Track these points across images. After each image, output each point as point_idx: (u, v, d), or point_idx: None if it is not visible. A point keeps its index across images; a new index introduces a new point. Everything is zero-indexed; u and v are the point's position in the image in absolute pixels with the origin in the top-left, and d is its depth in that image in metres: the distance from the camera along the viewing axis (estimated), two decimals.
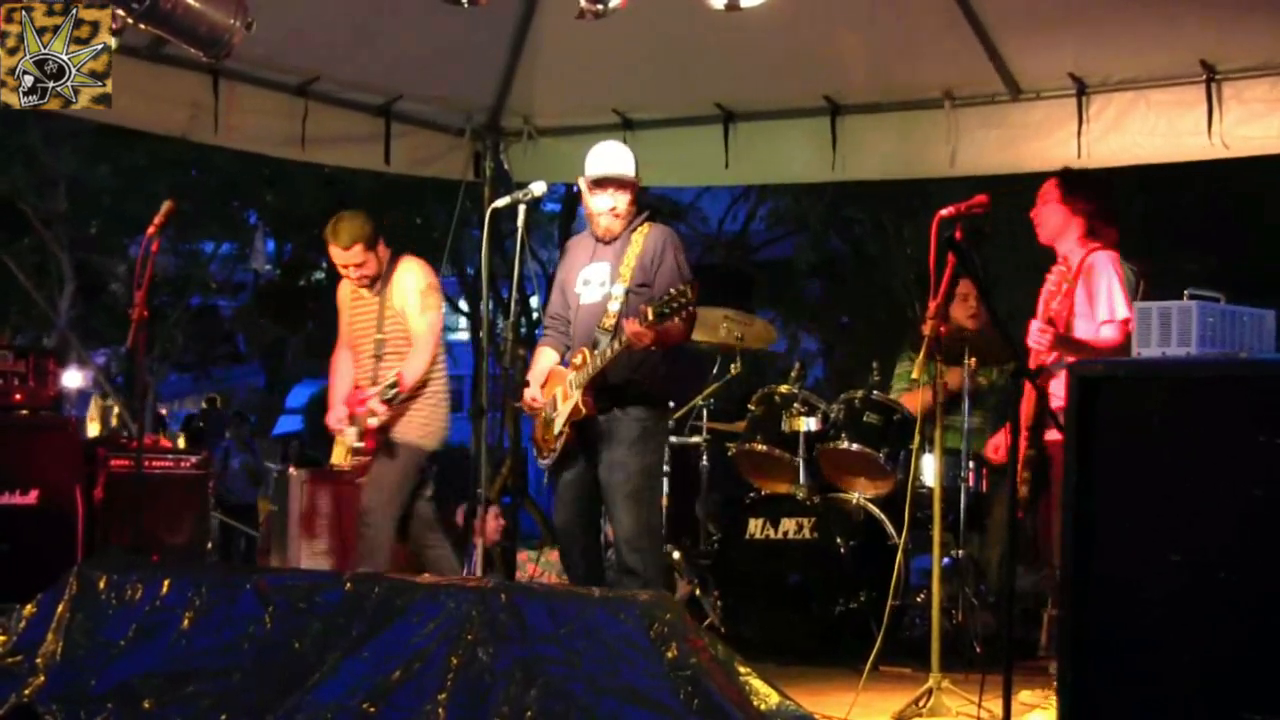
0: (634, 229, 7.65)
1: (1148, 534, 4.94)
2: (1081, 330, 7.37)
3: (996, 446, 7.86)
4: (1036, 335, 7.25)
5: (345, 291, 8.97)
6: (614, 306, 7.47)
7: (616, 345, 7.24)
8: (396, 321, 8.67)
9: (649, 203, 23.75)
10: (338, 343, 9.01)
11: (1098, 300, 7.36)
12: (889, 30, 9.85)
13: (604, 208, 7.61)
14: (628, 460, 7.43)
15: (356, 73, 10.38)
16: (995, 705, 6.20)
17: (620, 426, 7.45)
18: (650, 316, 7.04)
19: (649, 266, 7.53)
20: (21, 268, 21.70)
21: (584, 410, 7.38)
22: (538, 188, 7.50)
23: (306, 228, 24.00)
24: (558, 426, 7.48)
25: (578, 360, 7.45)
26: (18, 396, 9.15)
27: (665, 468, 9.98)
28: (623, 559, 7.39)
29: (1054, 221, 7.62)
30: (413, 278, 8.70)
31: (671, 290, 7.04)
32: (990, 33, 9.51)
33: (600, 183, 7.63)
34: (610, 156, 7.68)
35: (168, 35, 7.61)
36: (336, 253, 8.63)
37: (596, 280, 7.65)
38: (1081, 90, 9.54)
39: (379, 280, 8.68)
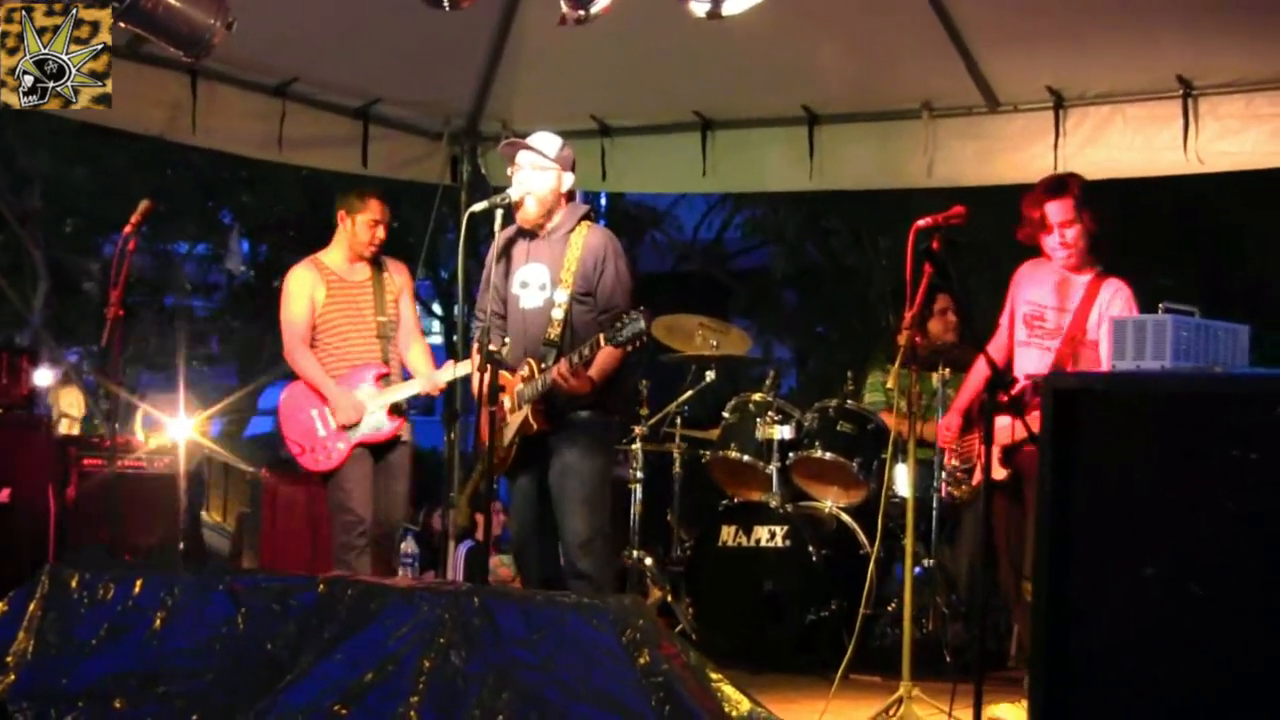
0: (571, 229, 7.55)
1: (1121, 548, 4.95)
2: (1086, 356, 7.30)
3: (948, 426, 7.77)
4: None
5: (310, 279, 8.84)
6: (557, 314, 7.40)
7: (553, 377, 7.20)
8: (396, 303, 8.80)
9: (625, 209, 23.74)
10: (298, 340, 8.77)
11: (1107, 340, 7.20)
12: (868, 41, 9.87)
13: (515, 185, 7.52)
14: (579, 465, 7.39)
15: (335, 75, 10.37)
16: (965, 715, 6.22)
17: (570, 432, 7.41)
18: (602, 342, 7.00)
19: (590, 274, 7.44)
20: None
21: (534, 426, 7.34)
22: (515, 192, 7.47)
23: (282, 229, 23.92)
24: (507, 438, 7.43)
25: (524, 372, 7.38)
26: None
27: (639, 475, 10.02)
28: (574, 563, 7.35)
29: (1082, 245, 7.48)
30: (404, 270, 8.97)
31: (625, 318, 6.94)
32: (969, 45, 9.53)
33: (511, 157, 7.57)
34: (533, 136, 7.64)
35: (148, 34, 7.60)
36: (380, 210, 8.81)
37: (535, 283, 7.53)
38: (1059, 103, 9.57)
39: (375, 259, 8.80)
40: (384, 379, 8.53)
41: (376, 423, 8.51)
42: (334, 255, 8.85)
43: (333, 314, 8.74)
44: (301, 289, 8.79)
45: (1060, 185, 7.43)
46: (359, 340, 8.65)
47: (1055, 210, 7.39)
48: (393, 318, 8.70)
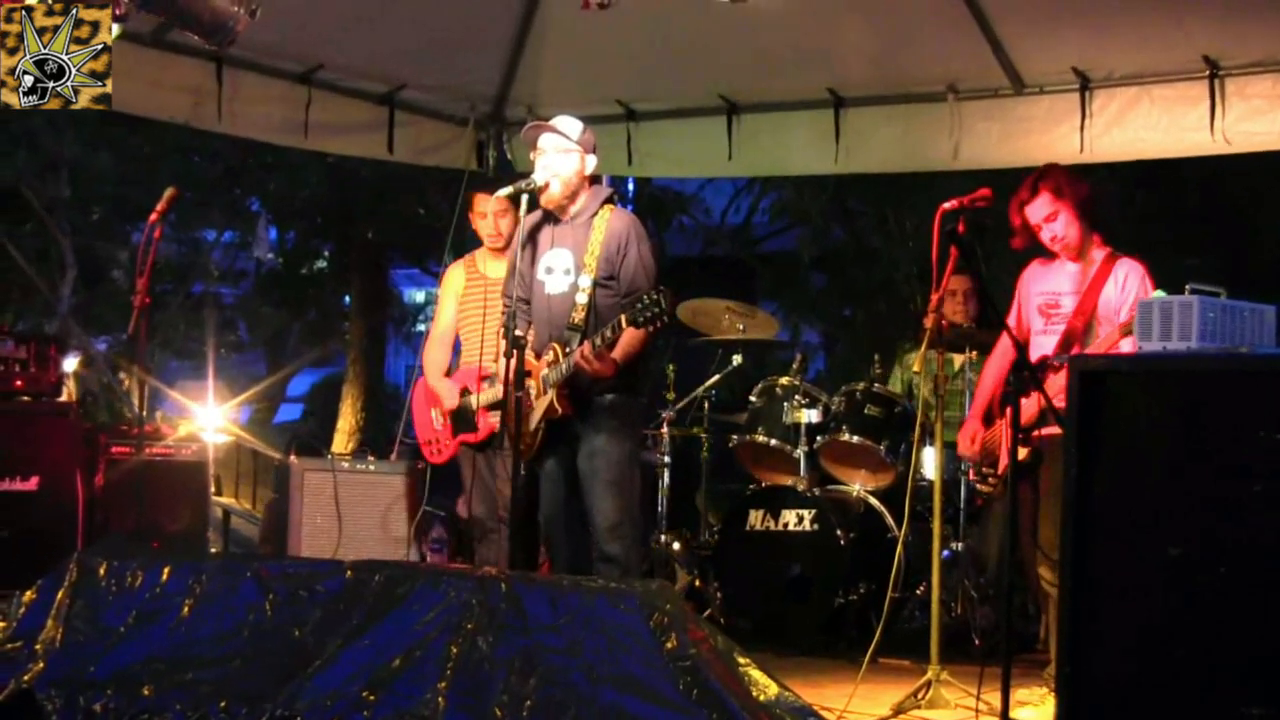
0: (595, 213, 7.51)
1: (1146, 528, 4.95)
2: (1104, 333, 7.29)
3: (972, 437, 7.75)
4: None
5: (458, 278, 8.98)
6: (581, 299, 7.37)
7: (576, 360, 7.17)
8: None
9: (652, 193, 23.69)
10: (431, 334, 9.06)
11: (1126, 313, 7.21)
12: (893, 23, 9.84)
13: (539, 169, 7.51)
14: (608, 448, 7.37)
15: (360, 61, 10.38)
16: (994, 698, 6.22)
17: (596, 415, 7.39)
18: (624, 324, 6.97)
19: (614, 258, 7.41)
20: (23, 253, 21.65)
21: (560, 410, 7.32)
22: (540, 177, 7.46)
23: (309, 216, 23.91)
24: (533, 423, 7.43)
25: (549, 357, 7.35)
26: (19, 383, 9.16)
27: (666, 459, 10.03)
28: (603, 546, 7.34)
29: (1074, 231, 7.48)
30: None
31: (645, 298, 6.91)
32: (994, 26, 9.51)
33: (533, 141, 7.55)
34: (554, 120, 7.61)
35: (172, 21, 7.61)
36: (482, 201, 8.81)
37: (560, 268, 7.51)
38: (1085, 85, 9.55)
39: (505, 249, 8.63)
40: (487, 380, 8.47)
41: (469, 425, 8.56)
42: (485, 249, 8.97)
43: (467, 310, 8.85)
44: (446, 286, 9.03)
45: (1032, 187, 7.41)
46: (486, 337, 8.63)
47: (1034, 211, 7.39)
48: None
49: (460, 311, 8.89)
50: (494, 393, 8.28)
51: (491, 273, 8.77)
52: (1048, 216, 7.35)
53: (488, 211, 8.80)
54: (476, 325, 8.55)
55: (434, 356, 8.95)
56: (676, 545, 10.04)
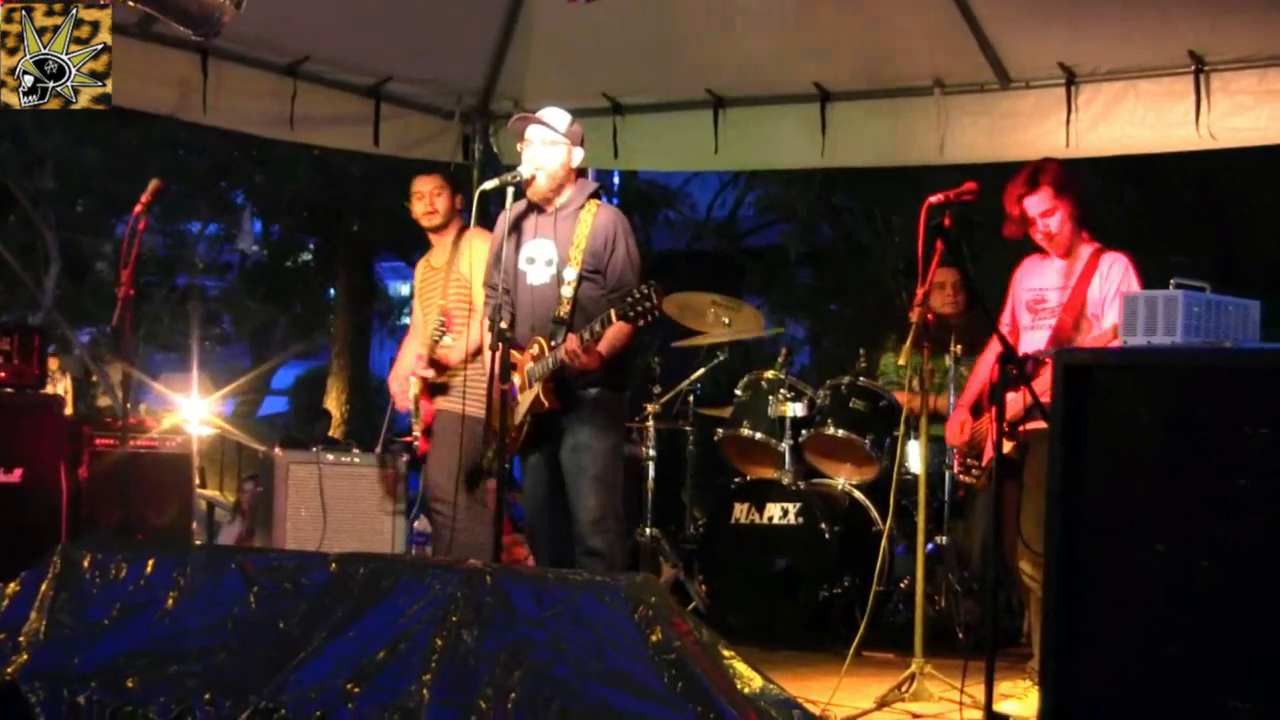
0: (581, 206, 7.49)
1: (1132, 524, 4.95)
2: (1096, 328, 7.29)
3: (962, 424, 7.75)
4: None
5: (418, 275, 9.13)
6: (566, 292, 7.34)
7: (562, 354, 7.14)
8: (462, 288, 8.60)
9: (638, 187, 23.64)
10: (409, 330, 9.26)
11: (1112, 309, 7.21)
12: (879, 18, 9.85)
13: (525, 160, 7.49)
14: (591, 443, 7.35)
15: (346, 54, 10.36)
16: (977, 691, 6.23)
17: (581, 410, 7.37)
18: (614, 318, 6.95)
19: (600, 252, 7.37)
20: (8, 246, 21.62)
21: (546, 404, 7.29)
22: (525, 169, 7.44)
23: (294, 209, 23.88)
24: (519, 417, 7.42)
25: (534, 350, 7.33)
26: (3, 374, 9.14)
27: (652, 453, 10.02)
28: (587, 541, 7.32)
29: (1067, 230, 7.47)
30: (483, 248, 8.24)
31: (635, 292, 6.86)
32: (980, 21, 9.51)
33: (521, 132, 7.52)
34: (543, 111, 7.58)
35: (157, 13, 7.59)
36: (416, 182, 8.90)
37: (542, 259, 7.47)
38: (1071, 80, 9.55)
39: (444, 229, 8.81)
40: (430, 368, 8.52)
41: (416, 413, 8.62)
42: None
43: (422, 301, 8.96)
44: (415, 285, 9.19)
45: (1033, 180, 7.38)
46: (429, 327, 8.68)
47: (1033, 204, 7.35)
48: (453, 303, 8.60)
49: (422, 305, 8.97)
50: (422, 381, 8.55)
51: (434, 261, 8.92)
52: (1045, 212, 7.33)
53: (424, 191, 8.83)
54: (428, 317, 8.75)
55: (405, 350, 9.09)
56: (662, 539, 10.04)
